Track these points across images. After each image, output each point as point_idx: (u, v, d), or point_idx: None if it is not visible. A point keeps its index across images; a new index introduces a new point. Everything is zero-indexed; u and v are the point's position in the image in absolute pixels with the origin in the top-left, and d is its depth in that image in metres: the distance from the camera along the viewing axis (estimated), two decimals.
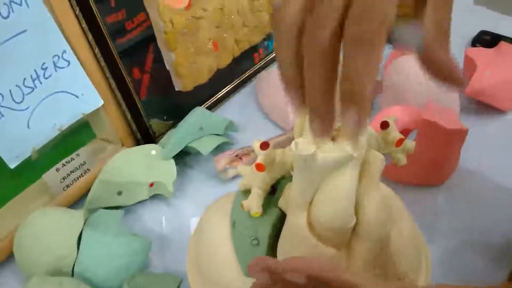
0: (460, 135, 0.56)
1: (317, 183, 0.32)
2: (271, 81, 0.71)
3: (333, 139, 0.32)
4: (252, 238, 0.36)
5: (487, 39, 0.84)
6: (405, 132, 0.60)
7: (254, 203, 0.35)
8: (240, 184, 0.38)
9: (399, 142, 0.36)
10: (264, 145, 0.34)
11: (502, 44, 0.73)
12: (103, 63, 0.56)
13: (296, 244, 0.33)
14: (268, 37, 0.79)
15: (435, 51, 0.25)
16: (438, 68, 0.25)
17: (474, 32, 0.85)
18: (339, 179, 0.31)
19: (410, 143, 0.37)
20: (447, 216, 0.57)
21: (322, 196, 0.32)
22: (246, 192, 0.39)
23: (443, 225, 0.55)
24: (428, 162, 0.57)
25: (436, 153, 0.56)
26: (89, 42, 0.54)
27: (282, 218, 0.36)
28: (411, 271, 0.37)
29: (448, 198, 0.59)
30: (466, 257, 0.51)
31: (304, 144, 0.30)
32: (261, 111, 0.73)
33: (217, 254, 0.40)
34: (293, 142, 0.30)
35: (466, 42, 0.84)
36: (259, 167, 0.34)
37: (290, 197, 0.33)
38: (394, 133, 0.36)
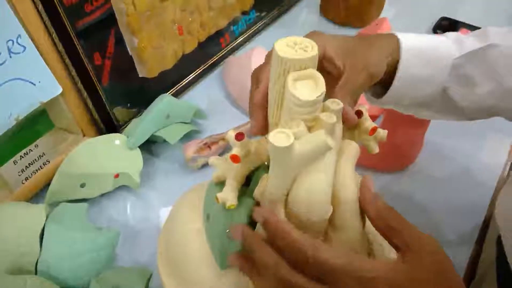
0: (423, 121, 0.57)
1: (293, 175, 0.31)
2: (239, 66, 0.70)
3: (310, 130, 0.31)
4: (228, 230, 0.35)
5: (446, 25, 0.86)
6: (372, 118, 0.61)
7: (229, 195, 0.35)
8: (214, 176, 0.37)
9: (373, 131, 0.36)
10: (239, 136, 0.33)
11: (461, 31, 0.75)
12: (61, 48, 0.53)
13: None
14: (234, 22, 0.77)
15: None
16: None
17: (435, 19, 0.87)
18: (315, 170, 0.31)
19: (382, 132, 0.37)
20: (411, 199, 0.58)
21: (299, 187, 0.31)
22: (219, 184, 0.38)
23: (408, 208, 0.57)
24: (393, 148, 0.58)
25: (401, 138, 0.58)
26: (45, 26, 0.51)
27: None
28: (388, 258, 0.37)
29: (412, 181, 0.60)
30: None
31: (281, 135, 0.29)
32: (229, 97, 0.72)
33: (190, 247, 0.39)
34: (270, 133, 0.29)
35: (427, 28, 0.86)
36: (235, 159, 0.34)
37: (266, 189, 0.33)
38: (368, 122, 0.36)
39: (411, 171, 0.62)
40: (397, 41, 0.39)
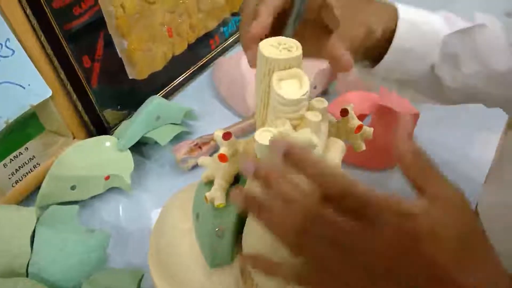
0: (412, 118, 0.58)
1: None
2: (229, 67, 0.70)
3: (295, 128, 0.32)
4: (217, 229, 0.36)
5: None
6: (361, 117, 0.61)
7: (217, 194, 0.35)
8: (203, 176, 0.37)
9: (358, 129, 0.37)
10: (227, 135, 0.34)
11: None
12: (49, 51, 0.53)
13: (262, 234, 0.33)
14: (224, 23, 0.78)
15: None
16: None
17: None
18: None
19: (368, 130, 0.38)
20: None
21: None
22: (208, 184, 0.38)
23: None
24: (382, 146, 0.59)
25: (389, 136, 0.58)
26: (34, 29, 0.51)
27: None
28: None
29: (401, 180, 0.61)
30: None
31: (267, 134, 0.29)
32: (219, 98, 0.72)
33: (180, 247, 0.40)
34: (256, 132, 0.29)
35: None
36: (222, 158, 0.34)
37: (254, 188, 0.33)
38: (353, 120, 0.37)
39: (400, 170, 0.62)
40: (395, 10, 0.39)
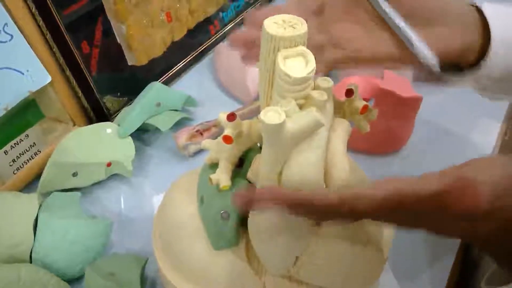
0: (415, 103, 0.58)
1: (286, 154, 0.31)
2: (229, 54, 0.69)
3: (301, 108, 0.31)
4: (222, 211, 0.36)
5: None
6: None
7: (222, 176, 0.35)
8: (207, 158, 0.37)
9: (364, 110, 0.36)
10: (231, 116, 0.33)
11: None
12: (48, 36, 0.52)
13: (266, 214, 0.33)
14: (223, 9, 0.77)
15: None
16: None
17: None
18: (307, 148, 0.31)
19: (373, 111, 0.37)
20: None
21: (292, 166, 0.31)
22: (212, 166, 0.38)
23: None
24: (384, 130, 0.58)
25: (392, 121, 0.58)
26: (32, 13, 0.50)
27: None
28: (379, 236, 0.38)
29: (403, 165, 0.61)
30: None
31: (272, 113, 0.29)
32: (219, 84, 0.71)
33: (185, 230, 0.39)
34: (262, 112, 0.29)
35: None
36: (227, 139, 0.34)
37: (259, 169, 0.33)
38: (359, 101, 0.37)
39: (403, 153, 0.62)
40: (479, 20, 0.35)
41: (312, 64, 0.29)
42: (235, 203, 0.29)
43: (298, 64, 0.30)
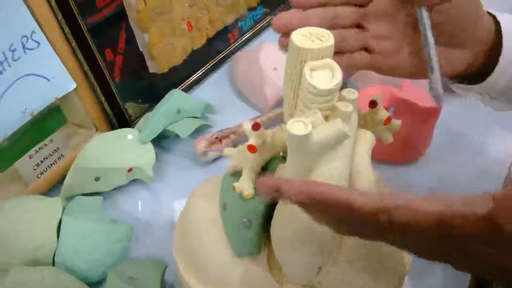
0: (434, 113, 0.58)
1: (310, 164, 0.32)
2: (247, 61, 0.70)
3: (326, 119, 0.32)
4: (245, 220, 0.36)
5: None
6: None
7: (246, 184, 0.35)
8: (230, 166, 0.38)
9: (387, 121, 0.37)
10: (256, 126, 0.34)
11: None
12: (74, 44, 0.54)
13: (290, 224, 0.33)
14: (242, 18, 0.78)
15: None
16: None
17: None
18: (332, 159, 0.31)
19: (396, 122, 0.38)
20: (419, 192, 0.58)
21: (316, 176, 0.32)
22: (235, 174, 0.38)
23: None
24: (402, 140, 0.58)
25: (411, 130, 0.58)
26: (58, 21, 0.51)
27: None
28: (395, 255, 0.38)
29: (420, 174, 0.61)
30: None
31: (299, 124, 0.29)
32: (237, 92, 0.72)
33: (206, 236, 0.40)
34: (288, 123, 0.29)
35: None
36: (251, 149, 0.34)
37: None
38: (382, 112, 0.37)
39: (420, 163, 0.62)
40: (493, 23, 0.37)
41: (339, 77, 0.30)
42: (260, 188, 0.27)
43: (325, 76, 0.30)
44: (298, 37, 0.31)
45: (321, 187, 0.26)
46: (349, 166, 0.32)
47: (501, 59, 0.36)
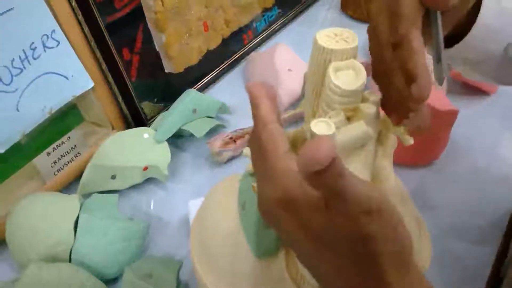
0: (451, 116, 0.57)
1: None
2: (261, 63, 0.70)
3: (349, 120, 0.32)
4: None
5: None
6: None
7: None
8: (249, 166, 0.38)
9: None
10: None
11: None
12: (93, 43, 0.54)
13: None
14: (256, 19, 0.78)
15: None
16: None
17: None
18: (355, 160, 0.31)
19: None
20: (434, 195, 0.58)
21: None
22: (254, 174, 0.38)
23: (431, 205, 0.57)
24: (418, 143, 0.58)
25: (427, 133, 0.58)
26: (78, 21, 0.52)
27: None
28: (415, 253, 0.38)
29: (436, 178, 0.60)
30: (452, 236, 0.53)
31: (322, 124, 0.29)
32: None
33: (225, 236, 0.40)
34: (311, 123, 0.29)
35: None
36: None
37: None
38: None
39: (436, 167, 0.62)
40: None
41: (363, 78, 0.30)
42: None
43: (349, 77, 0.30)
44: (322, 37, 0.31)
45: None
46: (371, 168, 0.32)
47: (474, 27, 0.35)
